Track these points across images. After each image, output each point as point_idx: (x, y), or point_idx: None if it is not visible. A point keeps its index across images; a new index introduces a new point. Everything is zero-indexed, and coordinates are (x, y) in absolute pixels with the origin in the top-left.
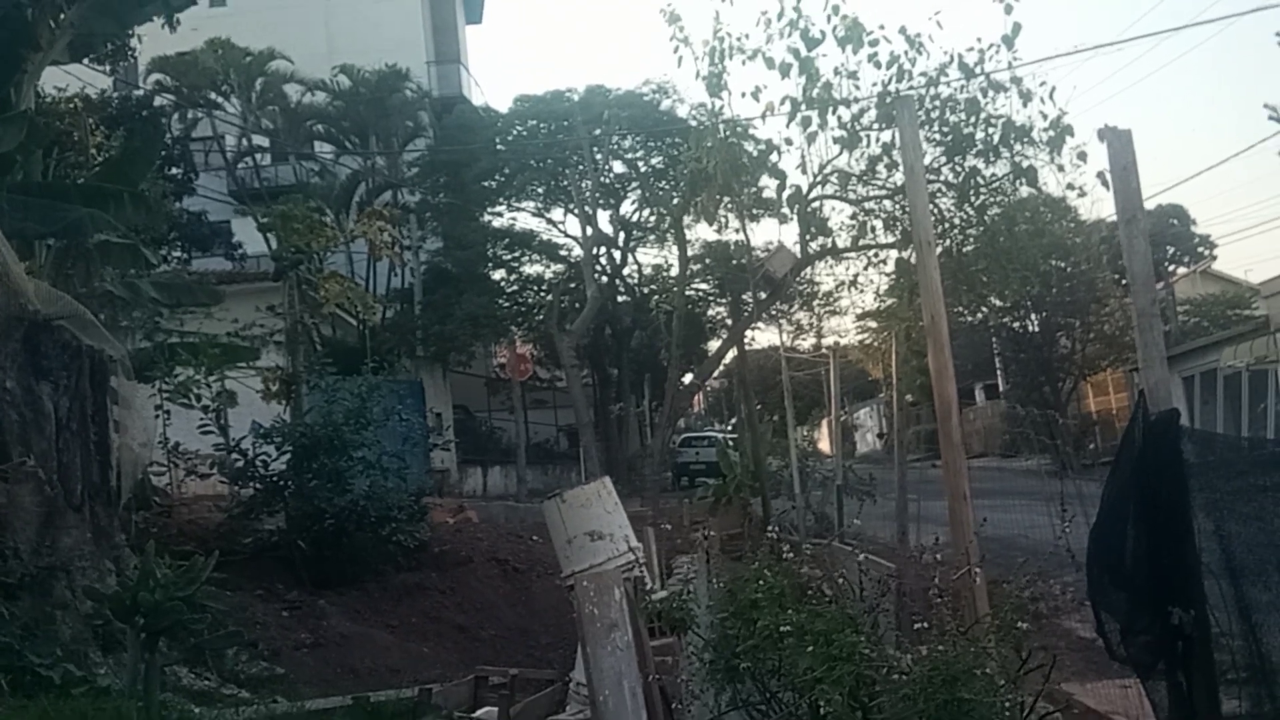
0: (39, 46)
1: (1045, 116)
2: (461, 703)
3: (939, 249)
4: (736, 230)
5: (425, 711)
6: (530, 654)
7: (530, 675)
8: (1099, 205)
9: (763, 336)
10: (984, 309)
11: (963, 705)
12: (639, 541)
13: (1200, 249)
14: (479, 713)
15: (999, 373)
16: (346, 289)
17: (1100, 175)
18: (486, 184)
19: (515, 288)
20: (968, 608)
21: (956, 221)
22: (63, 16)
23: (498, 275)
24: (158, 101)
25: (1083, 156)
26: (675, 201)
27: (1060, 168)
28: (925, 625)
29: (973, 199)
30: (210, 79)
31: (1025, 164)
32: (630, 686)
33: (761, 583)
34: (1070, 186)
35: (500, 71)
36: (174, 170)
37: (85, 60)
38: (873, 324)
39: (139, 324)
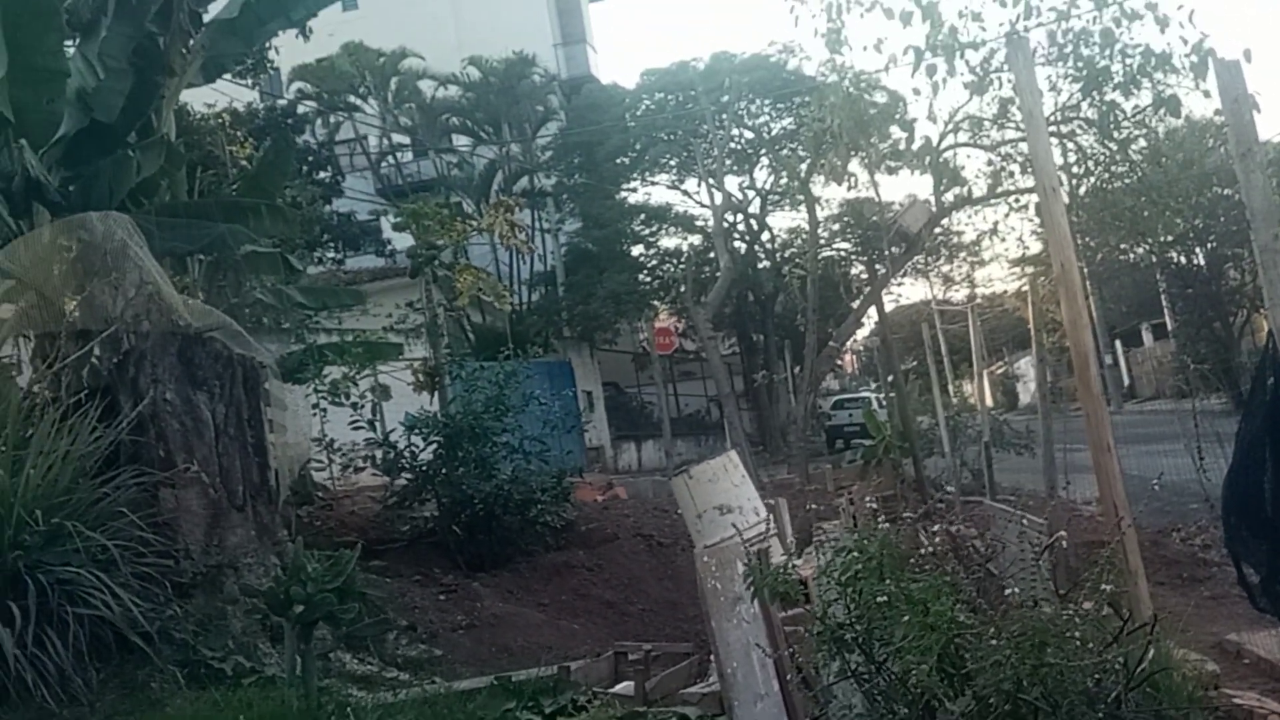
0: (173, 72)
1: (1185, 41)
2: (602, 678)
3: (1083, 188)
4: (867, 187)
5: (565, 688)
6: (678, 627)
7: (668, 649)
8: (1262, 123)
9: (912, 291)
10: (1144, 245)
11: (1053, 669)
12: (769, 513)
13: None
14: (618, 687)
15: (1166, 311)
16: (480, 279)
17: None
18: (619, 161)
19: (654, 262)
20: (1119, 561)
21: (1100, 159)
22: (192, 42)
23: (636, 251)
24: (300, 109)
25: None
26: (803, 163)
27: (1206, 94)
28: (1014, 591)
29: (1115, 134)
30: (348, 82)
31: (1168, 93)
32: (759, 658)
33: (859, 553)
34: (1218, 113)
35: (625, 47)
36: (322, 174)
37: (229, 76)
38: (1027, 270)
39: (291, 328)
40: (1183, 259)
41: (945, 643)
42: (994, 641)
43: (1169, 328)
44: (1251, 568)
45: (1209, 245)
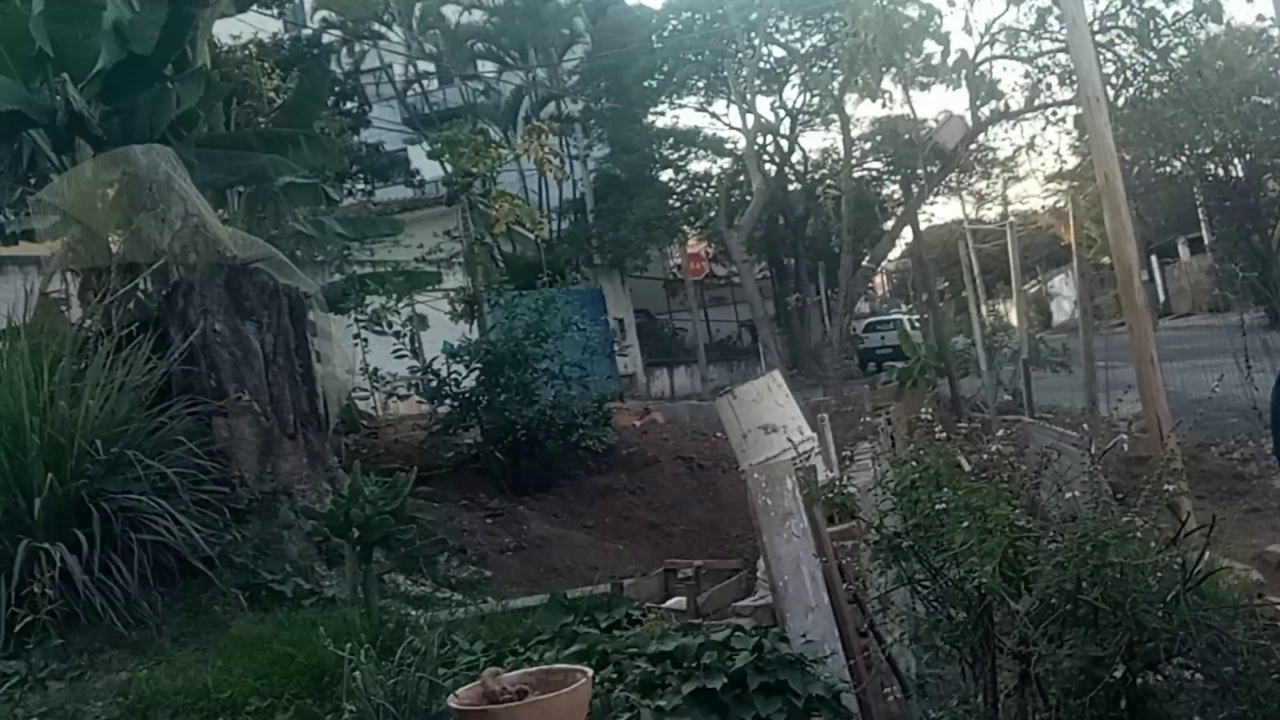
0: (206, 2)
1: None
2: (653, 595)
3: (1122, 99)
4: (902, 104)
5: (619, 604)
6: (721, 546)
7: (716, 566)
8: None
9: (945, 210)
10: (1182, 158)
11: (1115, 569)
12: (813, 431)
13: None
14: (669, 603)
15: (1203, 225)
16: (516, 207)
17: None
18: (647, 84)
19: (684, 187)
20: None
21: (1139, 68)
22: None
23: (666, 176)
24: (325, 38)
25: None
26: (836, 81)
27: None
28: (1074, 495)
29: (1155, 42)
30: (372, 10)
31: None
32: (809, 570)
33: (916, 464)
34: (1260, 17)
35: None
36: (349, 104)
37: (254, 8)
38: (1061, 187)
39: (330, 259)
40: (1220, 171)
41: (1006, 546)
42: (1053, 544)
43: (1206, 242)
44: None
45: (1247, 157)
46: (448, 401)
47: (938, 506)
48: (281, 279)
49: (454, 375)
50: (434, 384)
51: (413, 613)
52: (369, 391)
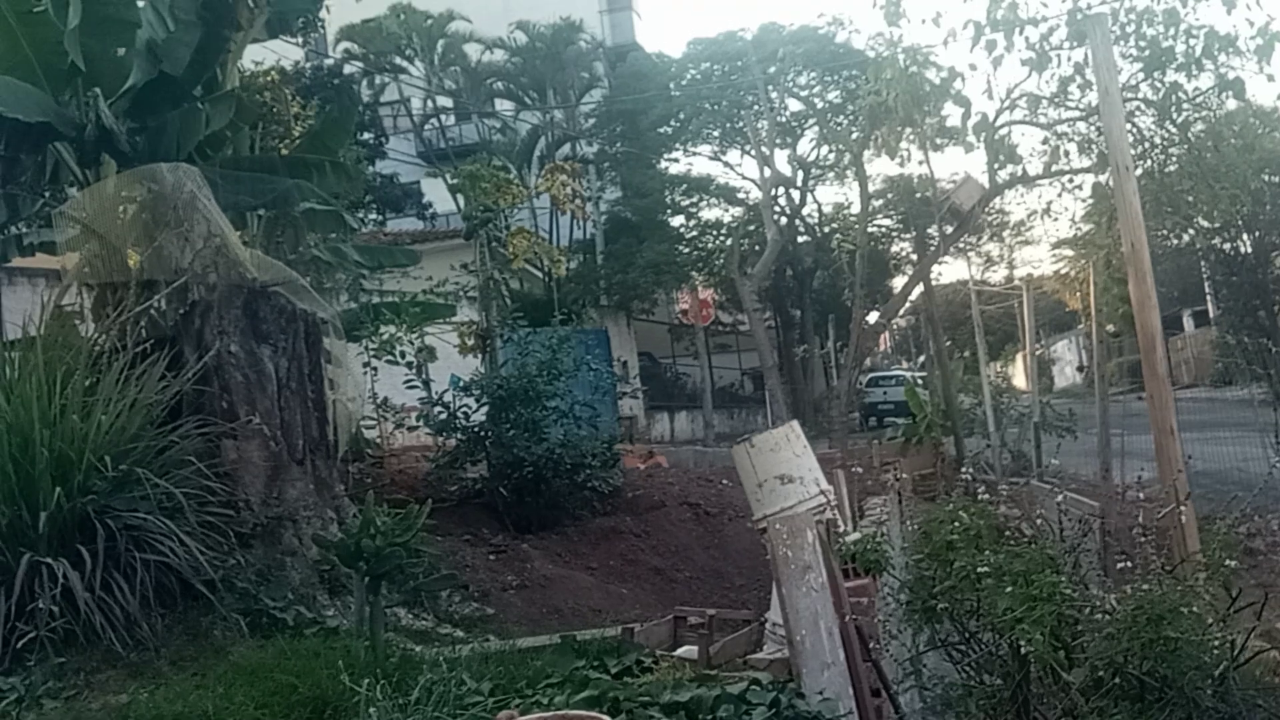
0: (240, 26)
1: (1252, 24)
2: (662, 641)
3: (1139, 170)
4: (919, 163)
5: (629, 649)
6: (725, 595)
7: (727, 615)
8: None
9: (950, 270)
10: (1190, 231)
11: (1169, 644)
12: (829, 484)
13: None
14: (680, 651)
15: (1209, 298)
16: (534, 244)
17: None
18: (662, 130)
19: (695, 233)
20: (1176, 546)
21: (1157, 141)
22: None
23: (677, 221)
24: (347, 69)
25: None
26: (854, 137)
27: (1270, 78)
28: (1130, 564)
29: (1174, 116)
30: (394, 44)
31: (1231, 76)
32: (826, 626)
33: (957, 524)
34: None
35: (673, 15)
36: (366, 135)
37: (281, 36)
38: (1068, 252)
39: (344, 286)
40: (1228, 246)
41: (1057, 614)
42: (1103, 615)
43: (1211, 315)
44: None
45: (1256, 233)
46: (456, 435)
47: (980, 569)
48: (299, 303)
49: (463, 409)
50: (443, 416)
51: (416, 648)
52: (376, 421)
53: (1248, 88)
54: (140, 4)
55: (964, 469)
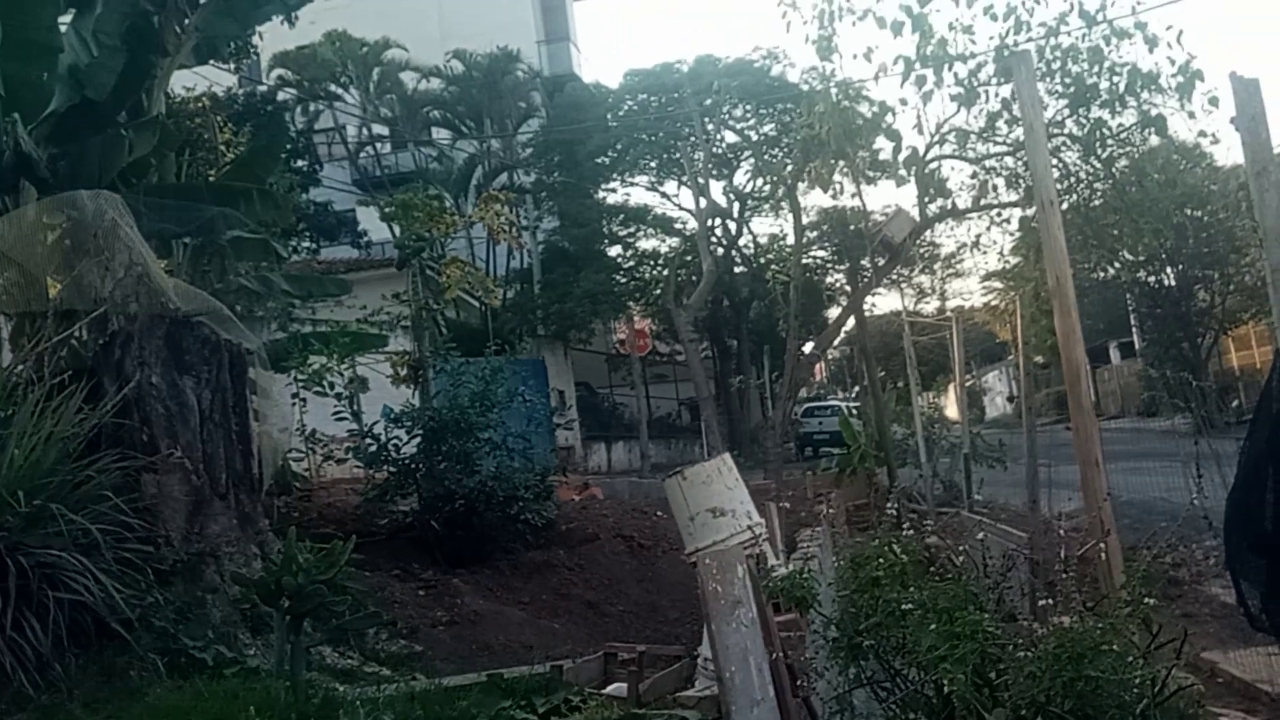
0: (166, 52)
1: (1173, 62)
2: (592, 679)
3: (1065, 205)
4: (852, 195)
5: (557, 687)
6: (658, 629)
7: (658, 651)
8: (1235, 151)
9: (884, 301)
10: (1115, 264)
11: (1091, 683)
12: (760, 517)
13: None
14: (609, 688)
15: (1134, 330)
16: (467, 274)
17: (1233, 120)
18: (600, 161)
19: (632, 263)
20: (1102, 578)
21: (1083, 175)
22: (187, 21)
23: (614, 251)
24: (280, 96)
25: (1214, 102)
26: (789, 169)
27: (1191, 115)
28: (1050, 601)
29: (1099, 151)
30: (329, 71)
31: (1153, 112)
32: (756, 662)
33: (883, 560)
34: (1202, 134)
35: (610, 47)
36: (299, 162)
37: (211, 62)
38: (998, 285)
39: (273, 315)
40: (1153, 279)
41: (979, 652)
42: (1025, 653)
43: (1136, 347)
44: (1252, 587)
45: (1179, 266)
46: (385, 467)
47: (905, 606)
48: (224, 334)
49: (394, 441)
50: (373, 449)
51: (339, 688)
52: (304, 453)
53: (1169, 124)
54: (63, 28)
55: (889, 503)
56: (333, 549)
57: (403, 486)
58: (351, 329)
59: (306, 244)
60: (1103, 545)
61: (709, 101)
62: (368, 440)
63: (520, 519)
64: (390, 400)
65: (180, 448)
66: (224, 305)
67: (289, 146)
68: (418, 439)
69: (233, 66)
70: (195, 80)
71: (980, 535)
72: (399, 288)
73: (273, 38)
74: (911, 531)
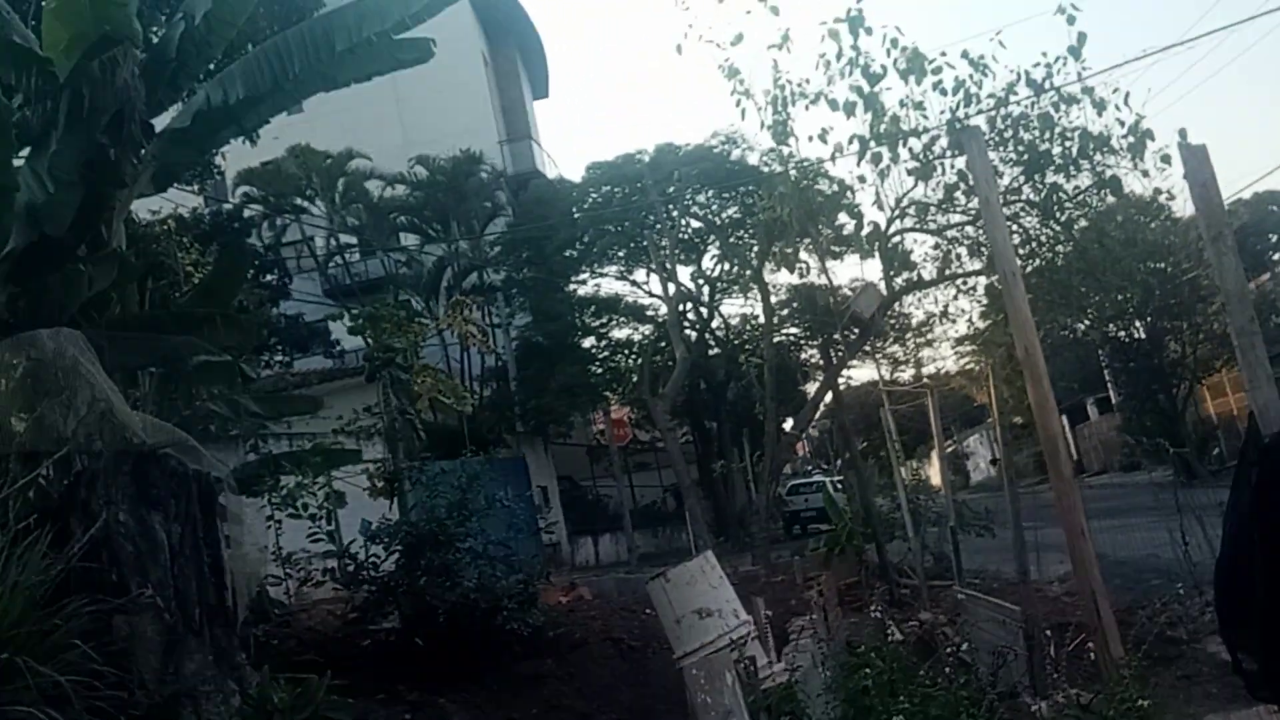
0: (124, 183)
1: (1122, 123)
2: None
3: (1029, 268)
4: (819, 273)
5: None
6: None
7: None
8: (1192, 203)
9: (861, 373)
10: (1085, 321)
11: None
12: (748, 613)
13: None
14: None
15: (1109, 385)
16: (439, 381)
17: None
18: (568, 254)
19: (606, 353)
20: (1099, 649)
21: (1044, 239)
22: (144, 151)
23: (588, 343)
24: (247, 213)
25: (1166, 160)
26: (754, 251)
27: (1145, 173)
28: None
29: (1058, 215)
30: (295, 185)
31: (1108, 174)
32: None
33: (869, 669)
34: (1158, 191)
35: (571, 141)
36: (269, 277)
37: (174, 185)
38: (971, 349)
39: (244, 438)
40: (1123, 334)
41: None
42: None
43: (1113, 401)
44: (1248, 653)
45: (1148, 319)
46: (365, 586)
47: (895, 718)
48: (191, 464)
49: (372, 558)
50: (351, 568)
51: None
52: (282, 578)
53: (1125, 183)
54: (18, 165)
55: (874, 590)
56: (308, 685)
57: (383, 605)
58: (326, 443)
59: (279, 358)
60: (1098, 615)
61: (671, 189)
62: (345, 561)
63: (506, 629)
64: (369, 513)
65: (151, 586)
66: (191, 433)
67: (257, 262)
68: (396, 555)
69: (196, 188)
70: (161, 203)
71: (961, 619)
72: (374, 397)
73: (237, 156)
74: (898, 638)
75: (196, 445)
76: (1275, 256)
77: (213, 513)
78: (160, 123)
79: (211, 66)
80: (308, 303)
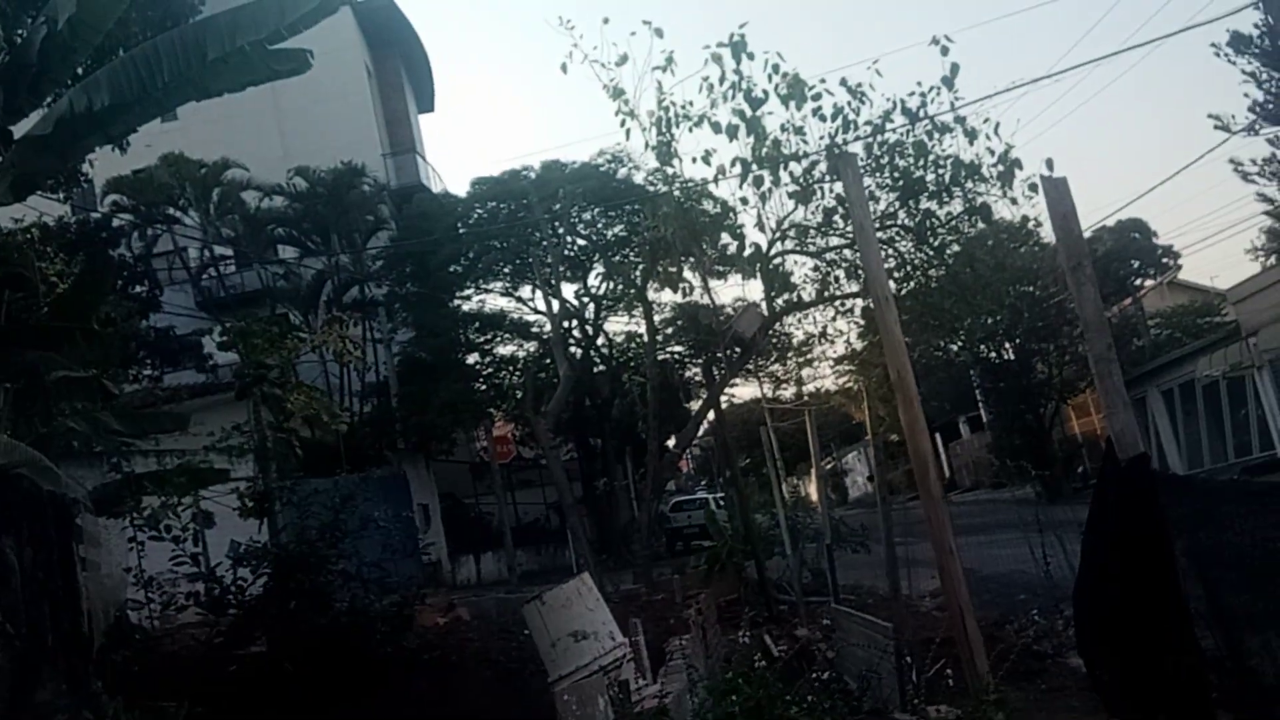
0: None
1: (992, 152)
2: None
3: (904, 290)
4: (702, 293)
5: None
6: None
7: None
8: None
9: (744, 390)
10: (958, 342)
11: None
12: (624, 636)
13: (1165, 260)
14: None
15: (980, 404)
16: (313, 400)
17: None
18: (452, 269)
19: (490, 370)
20: (965, 664)
21: (917, 263)
22: (1, 158)
23: (472, 359)
24: (116, 222)
25: (1034, 188)
26: (638, 269)
27: (1014, 201)
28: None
29: (931, 240)
30: (167, 194)
31: (979, 201)
32: None
33: (735, 696)
34: (1025, 218)
35: (457, 156)
36: (138, 288)
37: (37, 192)
38: (849, 368)
39: (106, 456)
40: (993, 355)
41: None
42: None
43: (984, 420)
44: (1106, 671)
45: (1017, 341)
46: (232, 610)
47: None
48: (47, 485)
49: (239, 582)
50: (216, 592)
51: None
52: (144, 601)
53: (995, 209)
54: None
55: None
56: (165, 712)
57: (251, 629)
58: (195, 462)
59: (148, 372)
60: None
61: (557, 206)
62: (210, 585)
63: (380, 653)
64: (239, 534)
65: (1, 613)
66: (49, 452)
67: (125, 273)
68: (264, 577)
69: (63, 196)
70: (24, 211)
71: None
72: (240, 419)
73: (106, 163)
74: (775, 656)
75: (52, 465)
76: (1137, 282)
77: (69, 535)
78: (21, 129)
79: (80, 71)
80: (179, 315)
